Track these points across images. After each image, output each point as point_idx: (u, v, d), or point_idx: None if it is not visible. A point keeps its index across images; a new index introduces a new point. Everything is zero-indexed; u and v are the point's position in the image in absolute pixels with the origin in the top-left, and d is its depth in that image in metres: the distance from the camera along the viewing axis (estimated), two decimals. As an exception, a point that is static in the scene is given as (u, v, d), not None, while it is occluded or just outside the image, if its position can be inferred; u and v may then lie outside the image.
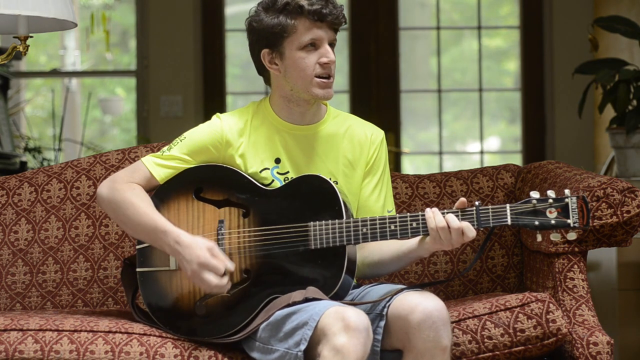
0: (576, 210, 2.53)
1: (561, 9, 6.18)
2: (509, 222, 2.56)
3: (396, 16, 6.33)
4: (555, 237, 2.57)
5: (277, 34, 2.69)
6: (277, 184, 2.74)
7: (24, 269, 3.09)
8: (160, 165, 2.76)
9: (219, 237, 2.69)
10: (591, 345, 2.68)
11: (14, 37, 2.98)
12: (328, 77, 2.71)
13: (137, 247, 2.77)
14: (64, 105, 7.05)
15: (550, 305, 2.66)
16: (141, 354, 2.61)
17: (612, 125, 4.39)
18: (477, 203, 2.58)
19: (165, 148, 2.79)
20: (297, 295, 2.57)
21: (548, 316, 2.64)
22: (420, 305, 2.47)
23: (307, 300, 2.54)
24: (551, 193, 2.56)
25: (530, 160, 6.09)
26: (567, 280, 2.80)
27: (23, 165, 5.69)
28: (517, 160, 6.39)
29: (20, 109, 6.87)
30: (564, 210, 2.54)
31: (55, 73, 8.80)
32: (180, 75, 6.22)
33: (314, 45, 2.70)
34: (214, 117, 2.82)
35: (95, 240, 3.12)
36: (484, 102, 6.46)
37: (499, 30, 7.17)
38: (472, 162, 6.78)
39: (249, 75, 7.17)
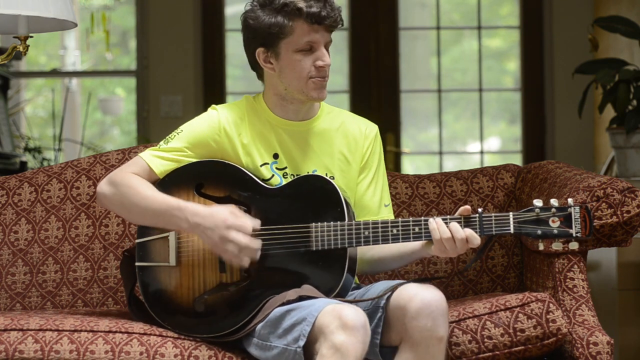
0: (579, 220, 2.52)
1: (561, 9, 6.17)
2: (512, 231, 2.55)
3: (396, 16, 6.32)
4: (557, 246, 2.57)
5: (274, 34, 2.67)
6: (277, 180, 2.73)
7: (24, 269, 3.09)
8: (158, 157, 2.73)
9: None
10: (591, 345, 2.68)
11: (14, 37, 2.98)
12: (322, 77, 2.70)
13: (137, 240, 2.75)
14: (64, 105, 7.04)
15: (550, 305, 2.65)
16: (141, 353, 2.61)
17: (612, 125, 4.39)
18: (480, 210, 2.57)
19: (162, 142, 2.76)
20: (292, 294, 2.56)
21: (548, 316, 2.64)
22: (419, 294, 2.46)
23: (301, 298, 2.54)
24: (554, 202, 2.54)
25: (530, 160, 6.09)
26: (567, 280, 2.80)
27: (23, 165, 5.69)
28: (517, 160, 6.38)
29: (20, 109, 6.86)
30: (566, 220, 2.52)
31: (55, 73, 8.80)
32: (180, 75, 6.22)
33: (310, 48, 2.68)
34: (210, 109, 2.79)
35: (95, 240, 3.11)
36: (484, 102, 6.46)
37: (499, 30, 7.17)
38: (472, 162, 6.77)
39: (249, 75, 7.14)
